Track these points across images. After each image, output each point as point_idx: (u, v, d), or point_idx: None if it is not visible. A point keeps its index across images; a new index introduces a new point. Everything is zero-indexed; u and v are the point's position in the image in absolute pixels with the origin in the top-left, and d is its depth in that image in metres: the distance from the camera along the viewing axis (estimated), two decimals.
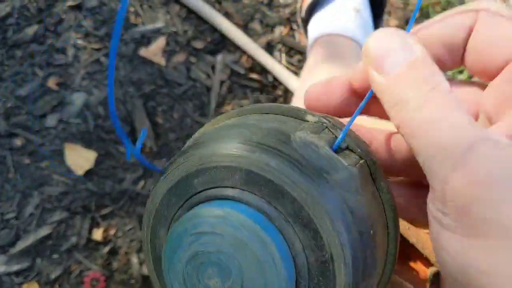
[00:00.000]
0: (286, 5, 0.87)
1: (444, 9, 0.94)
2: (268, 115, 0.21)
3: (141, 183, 0.70)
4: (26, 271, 0.65)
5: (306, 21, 0.72)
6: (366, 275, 0.18)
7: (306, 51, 0.75)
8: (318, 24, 0.67)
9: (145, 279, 0.66)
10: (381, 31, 0.19)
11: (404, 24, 0.90)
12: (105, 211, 0.69)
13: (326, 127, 0.19)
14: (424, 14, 0.91)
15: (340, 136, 0.19)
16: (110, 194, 0.70)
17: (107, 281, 0.65)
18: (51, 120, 0.73)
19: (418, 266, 0.26)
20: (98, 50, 0.78)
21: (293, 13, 0.85)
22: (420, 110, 0.17)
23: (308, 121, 0.20)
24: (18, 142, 0.71)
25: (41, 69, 0.76)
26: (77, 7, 0.81)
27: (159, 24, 0.81)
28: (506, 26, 0.20)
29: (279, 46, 0.83)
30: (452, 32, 0.21)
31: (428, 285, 0.25)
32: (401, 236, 0.25)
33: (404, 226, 0.25)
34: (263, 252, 0.16)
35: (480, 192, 0.16)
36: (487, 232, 0.16)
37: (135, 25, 0.80)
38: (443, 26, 0.21)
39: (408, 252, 0.26)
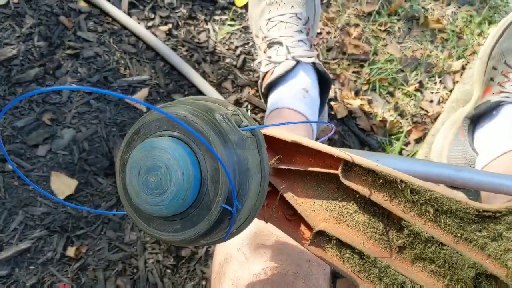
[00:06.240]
0: (255, 70, 1.00)
1: (390, 84, 1.08)
2: (204, 101, 0.32)
3: (114, 210, 0.80)
4: (5, 278, 0.71)
5: (265, 95, 0.86)
6: (242, 190, 0.28)
7: (264, 118, 0.88)
8: (274, 99, 0.79)
9: None
10: None
11: (355, 95, 1.04)
12: (79, 232, 0.76)
13: (238, 114, 0.31)
14: (372, 88, 1.06)
15: (245, 121, 0.31)
16: (86, 218, 0.77)
17: None
18: (41, 150, 0.82)
19: (303, 228, 0.36)
20: (89, 94, 0.90)
21: None
22: None
23: (228, 109, 0.31)
24: (10, 166, 0.81)
25: (37, 106, 0.87)
26: (75, 56, 0.93)
27: (145, 77, 0.94)
28: None
29: (246, 104, 0.95)
30: None
31: (308, 242, 0.35)
32: (289, 203, 0.36)
33: (292, 196, 0.36)
34: (183, 161, 0.27)
35: None
36: None
37: (124, 75, 0.93)
38: None
39: (299, 217, 0.36)
